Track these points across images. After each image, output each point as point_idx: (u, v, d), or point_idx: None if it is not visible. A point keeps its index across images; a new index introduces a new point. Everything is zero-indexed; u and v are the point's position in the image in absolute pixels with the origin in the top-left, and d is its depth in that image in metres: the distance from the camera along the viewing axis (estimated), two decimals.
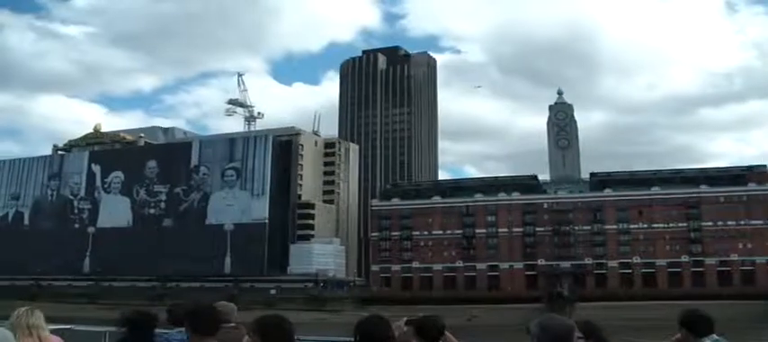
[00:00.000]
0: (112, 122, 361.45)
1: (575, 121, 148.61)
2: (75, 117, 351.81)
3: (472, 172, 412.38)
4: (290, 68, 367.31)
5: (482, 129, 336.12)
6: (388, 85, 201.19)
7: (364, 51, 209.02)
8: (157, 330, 6.17)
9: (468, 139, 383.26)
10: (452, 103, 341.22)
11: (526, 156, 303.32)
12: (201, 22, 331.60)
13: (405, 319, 5.54)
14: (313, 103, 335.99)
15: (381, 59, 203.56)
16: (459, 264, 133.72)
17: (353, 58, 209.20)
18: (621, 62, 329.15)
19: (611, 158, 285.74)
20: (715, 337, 5.35)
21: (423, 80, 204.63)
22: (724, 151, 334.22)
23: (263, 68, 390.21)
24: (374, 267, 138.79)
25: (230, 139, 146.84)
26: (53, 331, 6.16)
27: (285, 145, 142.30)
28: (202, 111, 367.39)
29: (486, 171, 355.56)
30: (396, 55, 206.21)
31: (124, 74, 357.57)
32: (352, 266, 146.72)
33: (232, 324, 6.04)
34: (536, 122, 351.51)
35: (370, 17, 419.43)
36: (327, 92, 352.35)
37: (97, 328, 10.17)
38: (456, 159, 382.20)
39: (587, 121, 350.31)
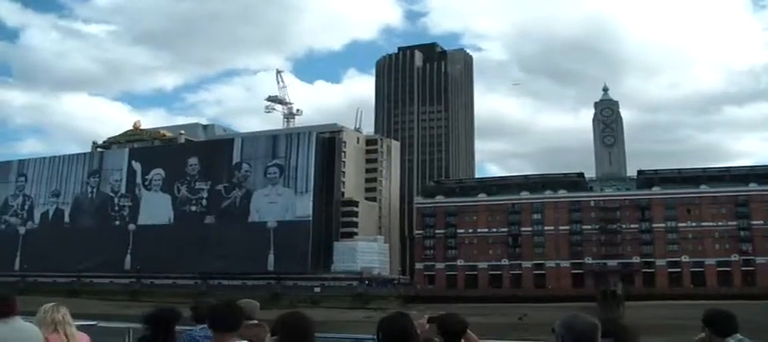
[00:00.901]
0: (135, 120, 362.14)
1: (620, 118, 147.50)
2: (99, 115, 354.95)
3: (495, 170, 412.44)
4: (311, 67, 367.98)
5: (504, 127, 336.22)
6: (424, 82, 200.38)
7: (400, 48, 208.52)
8: (180, 327, 6.41)
9: (491, 137, 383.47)
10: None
11: (549, 154, 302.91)
12: (224, 20, 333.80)
13: (427, 316, 5.58)
14: (335, 101, 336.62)
15: (418, 56, 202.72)
16: (505, 262, 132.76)
17: (389, 55, 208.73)
18: (644, 61, 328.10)
19: (633, 158, 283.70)
20: (739, 336, 5.26)
21: (459, 77, 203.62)
22: (750, 150, 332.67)
23: (285, 67, 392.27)
24: (418, 265, 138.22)
25: (273, 136, 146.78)
26: (79, 328, 6.22)
27: (328, 142, 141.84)
28: (224, 109, 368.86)
29: (509, 169, 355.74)
30: (432, 52, 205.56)
31: (146, 72, 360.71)
32: (395, 265, 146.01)
33: (255, 321, 6.21)
34: (559, 121, 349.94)
35: (391, 15, 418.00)
36: (349, 90, 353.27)
37: (121, 325, 10.27)
38: (479, 157, 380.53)
39: None
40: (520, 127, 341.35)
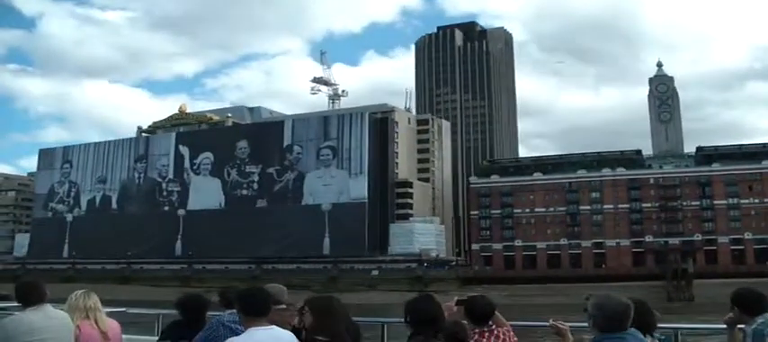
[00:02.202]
0: (156, 106, 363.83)
1: (676, 94, 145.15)
2: (119, 102, 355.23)
3: (521, 150, 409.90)
4: (330, 50, 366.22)
5: (525, 107, 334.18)
6: (466, 61, 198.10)
7: (439, 27, 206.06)
8: (209, 313, 6.61)
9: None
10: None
11: (571, 133, 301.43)
12: (242, 3, 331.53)
13: (455, 298, 5.65)
14: (354, 84, 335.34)
15: (458, 36, 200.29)
16: (564, 241, 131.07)
17: (429, 35, 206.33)
18: (664, 37, 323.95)
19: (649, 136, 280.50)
20: None
21: (500, 56, 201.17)
22: None
23: (304, 50, 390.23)
24: (474, 246, 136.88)
25: (324, 118, 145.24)
26: (109, 314, 6.39)
27: (381, 123, 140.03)
28: (245, 93, 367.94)
29: (532, 149, 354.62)
30: (472, 31, 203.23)
31: (166, 58, 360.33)
32: (449, 246, 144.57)
33: (283, 305, 6.12)
34: (580, 100, 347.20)
35: None
36: (367, 72, 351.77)
37: (152, 311, 10.25)
38: None
39: (631, 97, 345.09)
40: (541, 107, 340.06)
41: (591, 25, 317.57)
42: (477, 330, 5.51)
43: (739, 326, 5.48)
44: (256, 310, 4.91)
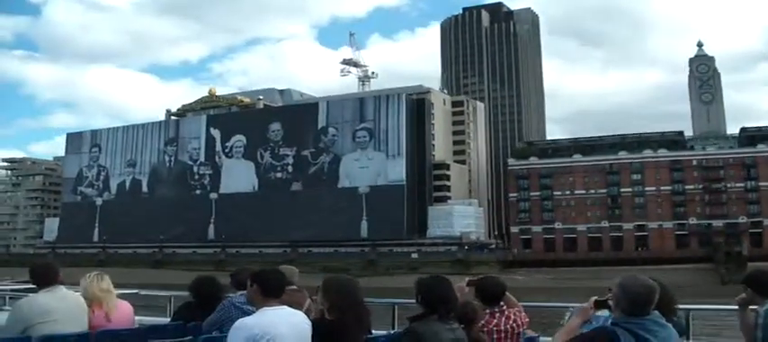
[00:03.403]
0: (165, 91, 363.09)
1: (718, 74, 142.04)
2: (127, 88, 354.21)
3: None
4: (335, 34, 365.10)
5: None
6: (493, 43, 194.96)
7: (465, 8, 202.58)
8: (222, 294, 6.81)
9: None
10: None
11: (579, 116, 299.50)
12: None
13: (466, 279, 5.82)
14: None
15: (485, 17, 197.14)
16: (605, 224, 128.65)
17: (454, 16, 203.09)
18: (671, 19, 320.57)
19: (663, 120, 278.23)
20: None
21: (526, 37, 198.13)
22: None
23: (309, 34, 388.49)
24: (513, 229, 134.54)
25: (359, 99, 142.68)
26: (121, 296, 6.60)
27: (417, 104, 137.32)
28: (250, 79, 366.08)
29: (542, 133, 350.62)
30: (498, 11, 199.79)
31: (172, 43, 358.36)
32: (486, 228, 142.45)
33: (294, 287, 6.42)
34: (587, 83, 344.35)
35: None
36: (372, 56, 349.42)
37: (164, 293, 10.24)
38: None
39: (640, 81, 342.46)
40: (548, 90, 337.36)
41: (598, 8, 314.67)
42: (488, 311, 5.61)
43: (751, 307, 5.40)
44: (272, 290, 4.92)
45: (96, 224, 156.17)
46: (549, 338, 5.24)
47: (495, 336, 5.54)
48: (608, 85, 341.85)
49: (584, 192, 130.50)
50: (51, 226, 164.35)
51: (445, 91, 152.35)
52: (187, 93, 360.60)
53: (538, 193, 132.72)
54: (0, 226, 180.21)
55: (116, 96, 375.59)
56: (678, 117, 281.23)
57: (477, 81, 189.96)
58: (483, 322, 5.52)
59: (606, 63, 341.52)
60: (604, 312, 4.58)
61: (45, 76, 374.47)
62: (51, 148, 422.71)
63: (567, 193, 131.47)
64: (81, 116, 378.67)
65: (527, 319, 5.87)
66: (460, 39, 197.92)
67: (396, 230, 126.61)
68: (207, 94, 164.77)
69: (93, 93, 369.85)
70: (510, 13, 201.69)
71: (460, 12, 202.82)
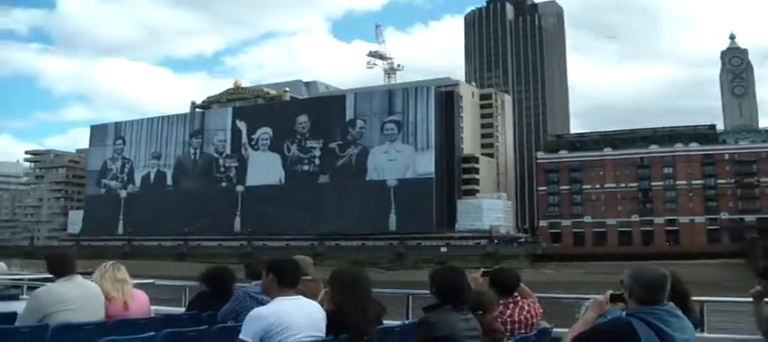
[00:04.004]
0: (178, 84, 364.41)
1: (751, 67, 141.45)
2: (141, 81, 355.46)
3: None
4: (350, 27, 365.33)
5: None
6: (518, 36, 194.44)
7: (489, 1, 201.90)
8: (236, 284, 6.92)
9: None
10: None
11: (595, 110, 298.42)
12: None
13: (481, 270, 5.93)
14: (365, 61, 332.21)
15: (509, 9, 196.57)
16: (635, 218, 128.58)
17: (478, 9, 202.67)
18: (686, 13, 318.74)
19: (676, 114, 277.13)
20: None
21: (552, 30, 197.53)
22: None
23: (323, 27, 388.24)
24: (542, 223, 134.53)
25: (388, 91, 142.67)
26: (136, 286, 6.68)
27: (446, 97, 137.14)
28: (265, 72, 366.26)
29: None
30: (523, 4, 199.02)
31: (186, 36, 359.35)
32: (515, 222, 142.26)
33: (309, 277, 6.36)
34: (602, 77, 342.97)
35: None
36: (389, 48, 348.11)
37: (179, 283, 10.32)
38: None
39: (655, 75, 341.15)
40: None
41: (613, 1, 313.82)
42: (502, 302, 5.66)
43: (766, 299, 5.53)
44: (287, 280, 5.00)
45: (121, 217, 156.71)
46: (564, 330, 5.26)
47: (509, 326, 5.59)
48: (623, 79, 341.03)
49: (614, 185, 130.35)
50: (75, 218, 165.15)
51: (473, 83, 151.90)
52: (202, 86, 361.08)
53: (567, 187, 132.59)
54: (24, 218, 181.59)
55: (130, 89, 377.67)
56: (694, 111, 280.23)
57: (502, 74, 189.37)
58: (497, 313, 5.58)
59: (621, 57, 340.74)
60: (619, 306, 4.56)
61: (60, 69, 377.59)
62: (67, 141, 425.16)
63: (597, 186, 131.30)
64: (95, 109, 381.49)
65: (541, 311, 5.93)
66: (485, 32, 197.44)
67: (424, 224, 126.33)
68: (232, 86, 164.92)
69: (107, 86, 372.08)
70: (534, 5, 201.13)
71: (485, 4, 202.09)
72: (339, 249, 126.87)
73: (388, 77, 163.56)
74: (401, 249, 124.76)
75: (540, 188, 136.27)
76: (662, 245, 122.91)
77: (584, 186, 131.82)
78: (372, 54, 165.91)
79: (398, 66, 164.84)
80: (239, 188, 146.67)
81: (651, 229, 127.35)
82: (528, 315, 5.71)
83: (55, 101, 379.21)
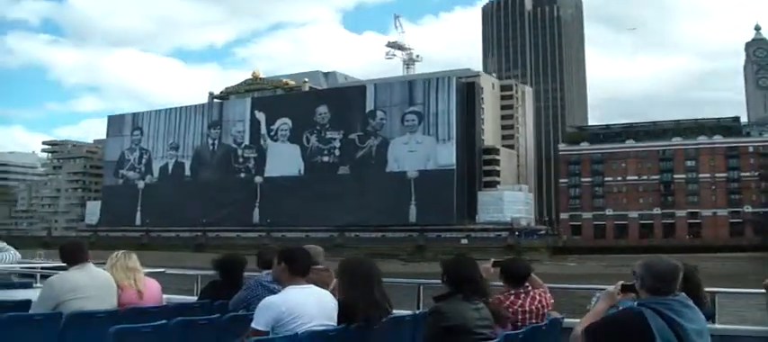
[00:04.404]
0: (189, 75, 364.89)
1: None
2: (151, 72, 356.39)
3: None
4: (360, 17, 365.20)
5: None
6: (536, 27, 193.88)
7: None
8: (247, 273, 7.05)
9: None
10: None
11: (609, 102, 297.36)
12: None
13: (492, 260, 5.98)
14: (383, 53, 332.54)
15: (528, 0, 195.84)
16: (657, 211, 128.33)
17: (497, 0, 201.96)
18: (700, 4, 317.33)
19: (691, 106, 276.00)
20: None
21: (570, 21, 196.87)
22: None
23: (334, 18, 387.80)
24: (563, 215, 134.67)
25: (409, 82, 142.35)
26: (148, 275, 6.88)
27: (467, 88, 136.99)
28: (274, 64, 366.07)
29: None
30: None
31: (197, 27, 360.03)
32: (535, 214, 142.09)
33: (320, 266, 6.47)
34: (615, 69, 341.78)
35: None
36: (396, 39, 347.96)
37: (190, 272, 10.41)
38: None
39: (666, 66, 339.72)
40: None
41: None
42: (513, 292, 5.70)
43: None
44: (299, 269, 5.09)
45: (138, 207, 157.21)
46: (575, 320, 5.31)
47: (520, 316, 5.62)
48: (637, 70, 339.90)
49: (636, 178, 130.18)
50: (93, 209, 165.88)
51: (494, 74, 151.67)
52: (213, 77, 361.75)
53: (589, 179, 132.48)
54: (41, 209, 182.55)
55: (141, 80, 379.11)
56: (707, 103, 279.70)
57: (520, 66, 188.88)
58: (508, 302, 5.64)
59: (636, 48, 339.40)
60: (631, 297, 4.57)
61: (71, 60, 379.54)
62: (79, 132, 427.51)
63: (619, 179, 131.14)
64: (106, 100, 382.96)
65: (552, 301, 5.98)
66: (502, 23, 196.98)
67: (445, 216, 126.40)
68: (249, 77, 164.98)
69: (118, 77, 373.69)
70: None
71: None
72: (359, 241, 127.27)
73: (407, 68, 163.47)
74: (421, 241, 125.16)
75: (562, 180, 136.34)
76: (684, 238, 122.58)
77: (605, 178, 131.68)
78: (391, 44, 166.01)
79: (417, 56, 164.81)
80: (258, 179, 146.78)
81: (673, 222, 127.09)
82: (539, 305, 5.76)
83: (66, 92, 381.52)
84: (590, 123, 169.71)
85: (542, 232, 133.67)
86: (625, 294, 4.65)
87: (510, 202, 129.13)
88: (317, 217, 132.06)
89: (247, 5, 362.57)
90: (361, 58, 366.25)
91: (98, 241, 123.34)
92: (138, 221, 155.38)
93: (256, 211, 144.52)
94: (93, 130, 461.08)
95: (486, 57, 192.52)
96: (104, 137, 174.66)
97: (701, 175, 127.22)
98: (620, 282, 4.74)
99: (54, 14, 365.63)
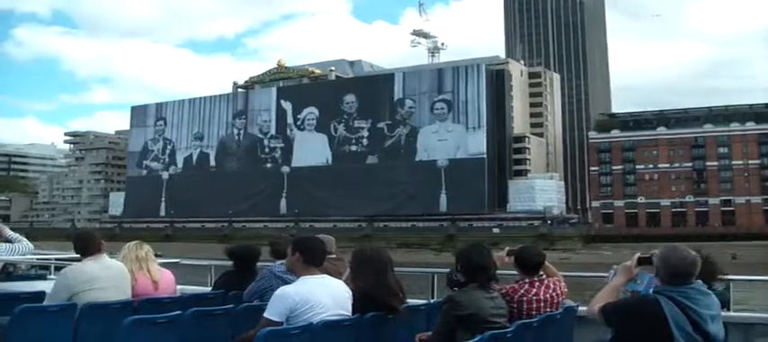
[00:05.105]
0: (201, 65, 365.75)
1: None
2: (163, 62, 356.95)
3: None
4: (370, 7, 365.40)
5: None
6: (559, 14, 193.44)
7: None
8: (260, 263, 7.25)
9: None
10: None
11: (620, 91, 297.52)
12: None
13: (506, 249, 6.00)
14: (394, 42, 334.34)
15: None
16: (690, 199, 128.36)
17: None
18: None
19: (707, 95, 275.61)
20: None
21: (592, 10, 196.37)
22: None
23: (346, 8, 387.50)
24: (594, 203, 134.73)
25: (438, 70, 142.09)
26: (162, 265, 7.00)
27: (497, 75, 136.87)
28: (287, 53, 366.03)
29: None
30: None
31: (209, 17, 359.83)
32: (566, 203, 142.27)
33: (333, 255, 6.62)
34: (626, 58, 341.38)
35: None
36: (406, 30, 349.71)
37: (204, 262, 10.43)
38: None
39: (681, 54, 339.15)
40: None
41: None
42: (528, 280, 5.74)
43: None
44: (313, 259, 5.16)
45: (163, 198, 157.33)
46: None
47: (535, 305, 5.67)
48: (648, 58, 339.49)
49: (668, 165, 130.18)
50: (117, 200, 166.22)
51: (522, 61, 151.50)
52: (225, 67, 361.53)
53: (620, 167, 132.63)
54: (63, 200, 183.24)
55: (153, 72, 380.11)
56: (725, 91, 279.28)
57: (544, 53, 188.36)
58: (523, 291, 5.68)
59: (647, 36, 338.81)
60: (648, 270, 4.73)
61: (83, 52, 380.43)
62: (92, 124, 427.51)
63: (651, 166, 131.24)
64: (119, 91, 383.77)
65: (566, 289, 6.07)
66: (525, 10, 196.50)
67: (476, 205, 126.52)
68: (275, 66, 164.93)
69: (131, 68, 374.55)
70: None
71: None
72: (388, 231, 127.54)
73: (432, 56, 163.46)
74: (452, 230, 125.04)
75: (592, 168, 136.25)
76: (717, 226, 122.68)
77: (637, 166, 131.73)
78: (416, 32, 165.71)
79: (442, 44, 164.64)
80: (285, 169, 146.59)
81: (706, 209, 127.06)
82: (554, 293, 5.82)
83: (78, 84, 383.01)
84: (613, 111, 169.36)
85: (574, 221, 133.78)
86: (642, 267, 4.80)
87: (541, 191, 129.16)
88: (345, 207, 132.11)
89: None
90: (376, 47, 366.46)
91: (122, 233, 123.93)
92: (162, 213, 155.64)
93: (283, 201, 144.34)
94: (108, 122, 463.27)
95: (510, 44, 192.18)
96: (120, 128, 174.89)
97: (733, 163, 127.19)
98: (637, 254, 4.89)
99: (65, 6, 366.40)
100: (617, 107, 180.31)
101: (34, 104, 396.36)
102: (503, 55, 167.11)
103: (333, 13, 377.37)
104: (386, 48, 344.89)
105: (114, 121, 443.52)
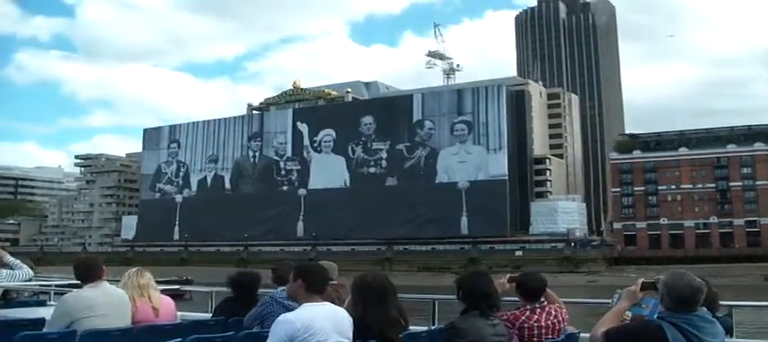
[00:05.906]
0: (200, 89, 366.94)
1: None
2: (163, 86, 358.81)
3: None
4: (369, 30, 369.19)
5: None
6: (571, 35, 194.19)
7: (540, 0, 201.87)
8: (262, 290, 7.15)
9: None
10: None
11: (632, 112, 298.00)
12: None
13: (508, 276, 5.99)
14: (394, 65, 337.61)
15: (562, 8, 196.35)
16: (713, 220, 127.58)
17: (531, 8, 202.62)
18: (706, 12, 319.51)
19: (706, 115, 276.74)
20: None
21: (605, 29, 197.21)
22: None
23: (343, 31, 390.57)
24: (616, 225, 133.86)
25: (457, 91, 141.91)
26: (163, 292, 6.91)
27: (517, 96, 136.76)
28: (287, 76, 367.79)
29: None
30: (575, 3, 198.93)
31: (208, 41, 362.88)
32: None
33: (334, 281, 6.64)
34: (626, 77, 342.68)
35: None
36: (405, 53, 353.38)
37: (205, 289, 10.42)
38: None
39: (676, 75, 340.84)
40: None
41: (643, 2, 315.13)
42: (529, 306, 5.68)
43: None
44: (315, 285, 5.07)
45: (176, 222, 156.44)
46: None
47: (536, 331, 5.61)
48: (647, 80, 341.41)
49: (690, 186, 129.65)
50: (129, 224, 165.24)
51: (540, 82, 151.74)
52: (224, 91, 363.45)
53: (642, 188, 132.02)
54: (73, 224, 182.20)
55: (153, 95, 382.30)
56: (721, 112, 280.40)
57: (557, 74, 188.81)
58: (524, 318, 5.62)
59: (646, 57, 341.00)
60: (653, 295, 4.67)
61: (83, 76, 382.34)
62: (92, 147, 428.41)
63: (673, 187, 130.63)
64: (119, 115, 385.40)
65: (567, 316, 6.01)
66: (538, 31, 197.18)
67: (498, 227, 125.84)
68: (291, 88, 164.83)
69: (130, 92, 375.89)
70: (587, 4, 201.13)
71: (536, 4, 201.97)
72: (409, 254, 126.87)
73: (448, 78, 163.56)
74: (474, 253, 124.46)
75: (613, 189, 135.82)
76: (742, 247, 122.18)
77: (659, 187, 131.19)
78: (431, 54, 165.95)
79: (457, 66, 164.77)
80: (302, 191, 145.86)
81: (730, 230, 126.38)
82: (555, 320, 5.76)
83: (78, 107, 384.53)
84: (627, 131, 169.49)
85: (596, 242, 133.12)
86: (646, 292, 4.78)
87: (564, 213, 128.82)
88: (364, 230, 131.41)
89: (257, 20, 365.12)
90: (377, 70, 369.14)
91: (135, 257, 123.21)
92: (176, 236, 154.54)
93: (300, 224, 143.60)
94: (109, 145, 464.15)
95: (522, 65, 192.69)
96: (121, 151, 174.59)
97: (758, 183, 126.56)
98: (641, 279, 4.87)
99: (65, 31, 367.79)
100: (629, 127, 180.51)
101: (35, 128, 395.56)
102: (515, 75, 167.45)
103: (332, 36, 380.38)
104: (387, 69, 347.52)
105: (114, 144, 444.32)
